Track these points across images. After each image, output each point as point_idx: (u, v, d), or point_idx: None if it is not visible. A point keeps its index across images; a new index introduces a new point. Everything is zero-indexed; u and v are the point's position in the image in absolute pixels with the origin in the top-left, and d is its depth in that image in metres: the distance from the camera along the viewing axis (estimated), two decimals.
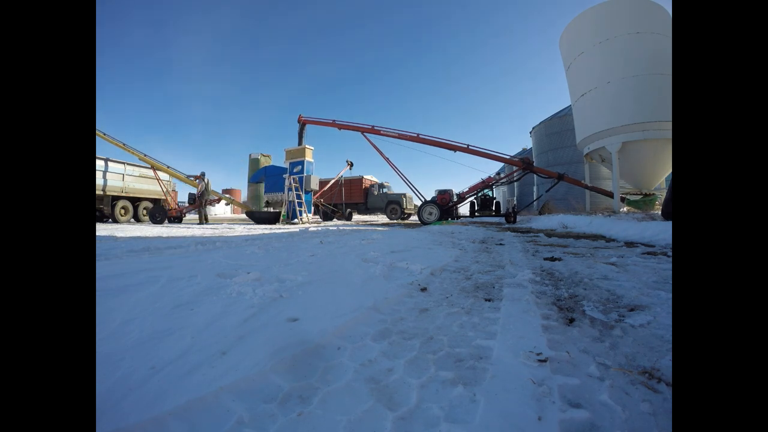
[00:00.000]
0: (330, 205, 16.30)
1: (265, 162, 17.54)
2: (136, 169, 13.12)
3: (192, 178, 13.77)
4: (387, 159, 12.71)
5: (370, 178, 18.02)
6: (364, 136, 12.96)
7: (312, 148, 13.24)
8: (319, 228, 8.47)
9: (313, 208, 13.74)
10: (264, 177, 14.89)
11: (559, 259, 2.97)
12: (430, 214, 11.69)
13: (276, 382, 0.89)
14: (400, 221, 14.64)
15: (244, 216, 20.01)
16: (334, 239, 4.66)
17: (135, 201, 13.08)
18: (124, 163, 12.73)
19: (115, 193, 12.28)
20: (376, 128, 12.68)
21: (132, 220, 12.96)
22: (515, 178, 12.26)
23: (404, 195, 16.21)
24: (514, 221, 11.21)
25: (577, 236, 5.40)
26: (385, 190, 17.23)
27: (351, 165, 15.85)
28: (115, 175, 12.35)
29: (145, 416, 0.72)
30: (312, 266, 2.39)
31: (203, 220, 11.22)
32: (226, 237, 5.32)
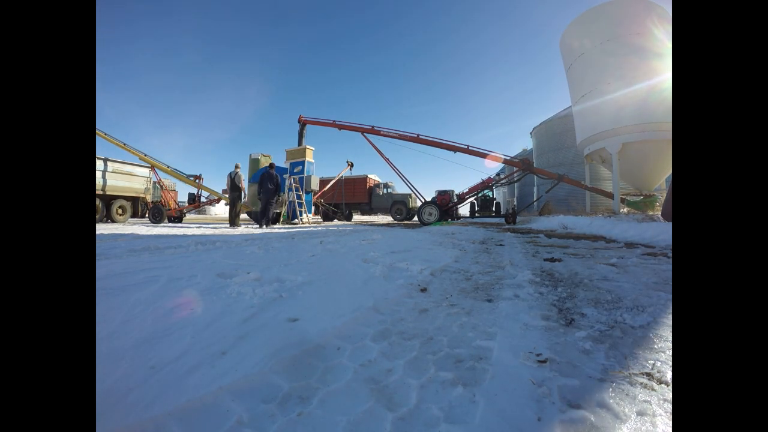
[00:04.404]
0: (330, 205, 16.26)
1: (265, 162, 17.50)
2: (109, 163, 11.21)
3: (192, 178, 13.79)
4: (387, 159, 12.71)
5: (374, 177, 17.88)
6: (364, 136, 12.95)
7: (312, 148, 13.24)
8: (319, 228, 8.48)
9: (313, 207, 13.74)
10: None
11: (559, 260, 2.97)
12: (430, 214, 11.69)
13: (276, 382, 0.89)
14: (405, 222, 14.57)
15: (244, 216, 20.02)
16: (334, 239, 4.66)
17: (108, 199, 11.23)
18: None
19: None
20: (376, 128, 12.68)
21: (106, 219, 11.14)
22: (515, 179, 12.27)
23: (410, 195, 16.08)
24: (514, 222, 11.20)
25: (577, 237, 5.40)
26: (389, 190, 17.14)
27: (351, 165, 15.83)
28: None
29: (144, 416, 0.72)
30: (312, 266, 2.39)
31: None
32: (226, 237, 5.32)
